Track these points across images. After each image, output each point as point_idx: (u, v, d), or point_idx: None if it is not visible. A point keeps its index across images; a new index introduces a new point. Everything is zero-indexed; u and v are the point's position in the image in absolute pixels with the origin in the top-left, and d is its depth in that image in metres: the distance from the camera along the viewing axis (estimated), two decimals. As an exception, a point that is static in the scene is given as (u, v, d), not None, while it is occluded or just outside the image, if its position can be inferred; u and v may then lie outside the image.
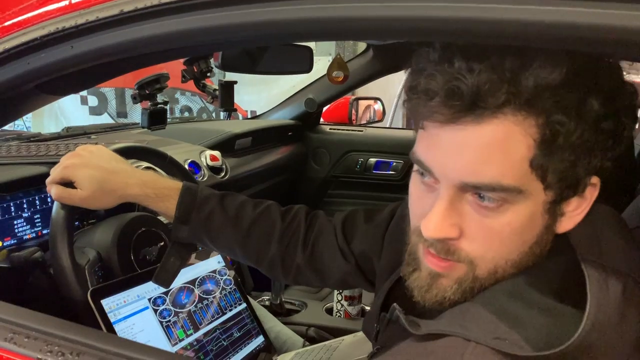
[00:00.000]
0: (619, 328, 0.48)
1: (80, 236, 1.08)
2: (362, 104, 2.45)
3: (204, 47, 0.76)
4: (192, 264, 1.10)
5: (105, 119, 4.48)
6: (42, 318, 0.57)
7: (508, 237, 0.52)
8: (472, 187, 0.50)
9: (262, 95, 3.97)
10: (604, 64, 0.50)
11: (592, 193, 0.53)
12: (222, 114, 2.34)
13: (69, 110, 4.53)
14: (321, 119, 2.37)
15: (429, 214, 0.52)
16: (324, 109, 2.33)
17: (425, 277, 0.56)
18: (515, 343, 0.47)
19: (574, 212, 0.53)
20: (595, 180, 0.52)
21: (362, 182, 2.23)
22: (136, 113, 4.61)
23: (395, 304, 0.59)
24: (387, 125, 2.64)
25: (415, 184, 0.57)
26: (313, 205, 2.33)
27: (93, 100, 4.56)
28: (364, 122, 2.42)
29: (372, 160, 2.19)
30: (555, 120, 0.47)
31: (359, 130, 2.28)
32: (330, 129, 2.32)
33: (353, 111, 2.40)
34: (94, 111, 4.57)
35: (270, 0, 0.49)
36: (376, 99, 2.47)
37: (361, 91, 2.55)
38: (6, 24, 0.65)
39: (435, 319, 0.54)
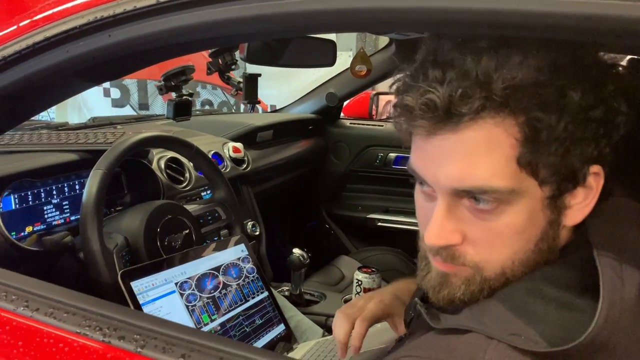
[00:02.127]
0: (635, 326, 0.48)
1: (108, 222, 1.11)
2: (383, 99, 2.46)
3: (236, 37, 0.78)
4: (217, 250, 1.13)
5: (127, 111, 4.55)
6: (79, 296, 0.59)
7: (510, 238, 0.52)
8: (465, 193, 0.51)
9: (283, 89, 3.99)
10: (589, 54, 0.51)
11: (597, 182, 0.53)
12: (242, 107, 2.37)
13: (92, 102, 4.61)
14: (341, 114, 2.38)
15: (429, 222, 0.53)
16: (345, 103, 2.34)
17: (435, 277, 0.57)
18: (530, 339, 0.47)
19: (582, 204, 0.53)
20: (596, 169, 0.52)
21: (382, 176, 2.23)
22: (157, 105, 4.66)
23: (417, 299, 0.60)
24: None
25: (417, 193, 0.59)
26: (332, 199, 2.36)
27: (116, 93, 4.63)
28: (384, 117, 2.43)
29: (392, 155, 2.19)
30: (534, 117, 0.48)
31: (379, 125, 2.29)
32: (350, 123, 2.33)
33: (374, 106, 2.41)
34: (117, 103, 4.64)
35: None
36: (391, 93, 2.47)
37: (382, 86, 2.55)
38: (47, 13, 0.68)
39: (456, 314, 0.55)
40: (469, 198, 0.51)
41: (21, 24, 0.70)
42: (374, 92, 2.45)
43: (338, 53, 1.68)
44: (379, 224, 2.22)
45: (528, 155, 0.49)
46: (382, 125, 2.28)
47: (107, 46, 0.63)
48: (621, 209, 0.55)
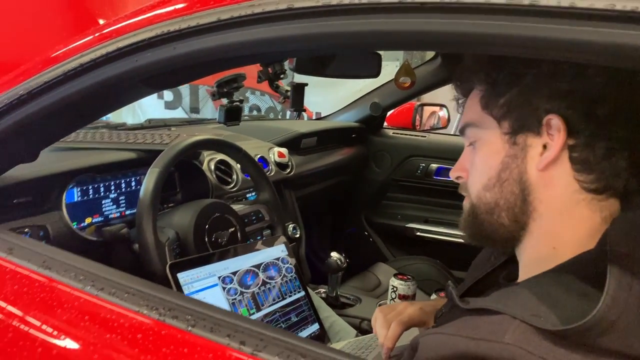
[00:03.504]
0: None
1: (161, 217, 1.19)
2: (427, 110, 2.48)
3: (287, 53, 0.84)
4: (259, 249, 1.19)
5: (179, 113, 4.72)
6: (138, 280, 0.67)
7: (479, 164, 0.70)
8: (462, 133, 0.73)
9: (328, 98, 4.05)
10: None
11: (558, 134, 0.62)
12: (288, 114, 2.44)
13: (146, 104, 4.81)
14: (385, 123, 2.42)
15: None
16: (388, 113, 2.38)
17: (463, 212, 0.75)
18: (548, 320, 0.52)
19: (544, 153, 0.64)
20: (553, 119, 0.62)
21: (422, 187, 2.26)
22: (207, 109, 4.82)
23: (450, 282, 0.65)
24: (452, 133, 2.65)
25: None
26: (372, 207, 2.40)
27: (169, 96, 4.81)
28: (427, 128, 2.45)
29: (434, 166, 2.22)
30: (491, 80, 0.67)
31: (421, 136, 2.32)
32: (393, 133, 2.37)
33: (417, 117, 2.44)
34: (169, 105, 4.83)
35: (362, 13, 0.55)
36: (442, 105, 2.49)
37: (427, 97, 2.58)
38: (120, 25, 0.76)
39: (484, 297, 0.60)
40: (465, 137, 0.72)
41: (96, 35, 0.78)
42: (418, 103, 2.48)
43: (384, 63, 1.72)
44: (418, 233, 2.24)
45: (485, 100, 0.68)
46: (425, 136, 2.31)
47: (172, 57, 0.70)
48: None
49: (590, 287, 0.55)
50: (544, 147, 0.63)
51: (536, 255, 0.67)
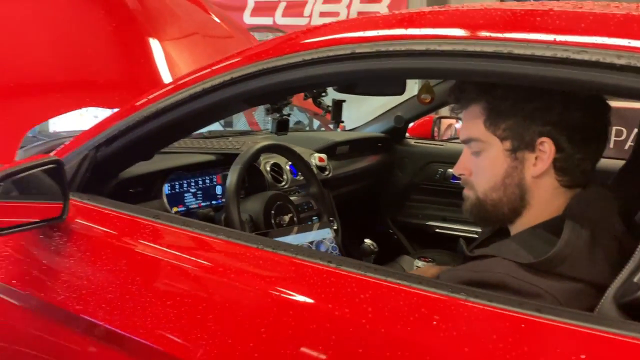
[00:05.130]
0: (589, 254, 0.83)
1: (237, 204, 1.53)
2: (445, 122, 2.78)
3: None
4: (312, 230, 1.52)
5: (215, 127, 5.06)
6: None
7: (485, 171, 0.95)
8: (465, 142, 0.98)
9: (352, 112, 4.38)
10: None
11: (549, 150, 0.89)
12: (315, 125, 2.74)
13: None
14: (407, 134, 2.74)
15: None
16: (410, 125, 2.70)
17: (464, 199, 1.01)
18: (525, 257, 0.84)
19: (537, 164, 0.90)
20: (544, 140, 0.89)
21: (441, 189, 2.56)
22: (240, 123, 5.17)
23: (461, 238, 0.98)
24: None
25: None
26: (398, 208, 2.70)
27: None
28: (445, 138, 2.76)
29: (450, 171, 2.52)
30: (495, 106, 0.91)
31: (440, 145, 2.63)
32: (414, 142, 2.69)
33: (436, 128, 2.75)
34: (204, 120, 5.18)
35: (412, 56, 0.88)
36: (458, 118, 2.80)
37: (444, 110, 2.90)
38: (230, 62, 1.09)
39: (484, 247, 0.93)
40: (468, 146, 0.97)
41: (214, 68, 1.11)
42: (437, 116, 2.79)
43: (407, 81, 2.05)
44: (437, 230, 2.55)
45: (489, 122, 0.92)
46: (442, 145, 2.62)
47: (270, 85, 1.03)
48: (596, 191, 0.92)
49: (555, 237, 0.86)
50: (536, 159, 0.90)
51: (523, 225, 0.97)
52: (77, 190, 1.14)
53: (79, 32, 1.83)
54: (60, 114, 1.62)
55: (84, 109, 1.98)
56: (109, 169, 1.22)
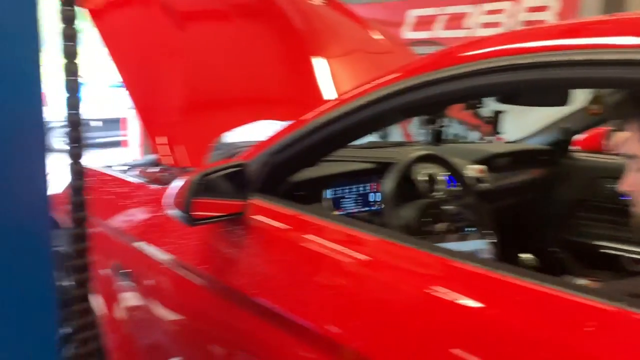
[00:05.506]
0: None
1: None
2: (620, 135, 2.56)
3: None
4: (469, 240, 1.54)
5: (373, 137, 5.24)
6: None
7: None
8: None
9: (517, 123, 4.22)
10: None
11: None
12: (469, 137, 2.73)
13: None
14: (573, 146, 2.58)
15: None
16: (575, 137, 2.54)
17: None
18: None
19: None
20: None
21: (610, 207, 2.36)
22: (394, 134, 5.29)
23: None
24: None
25: None
26: (562, 227, 2.55)
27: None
28: (619, 152, 2.54)
29: (623, 187, 2.32)
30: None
31: (610, 159, 2.44)
32: (582, 155, 2.52)
33: (608, 141, 2.55)
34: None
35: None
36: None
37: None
38: (391, 76, 1.17)
39: None
40: (631, 162, 0.99)
41: (375, 83, 1.20)
42: (611, 129, 2.59)
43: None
44: (603, 250, 2.36)
45: None
46: (613, 159, 2.43)
47: (429, 97, 1.10)
48: None
49: None
50: None
51: None
52: (255, 190, 1.31)
53: (257, 55, 2.07)
54: (242, 125, 1.85)
55: (257, 122, 2.22)
56: (280, 173, 1.38)
